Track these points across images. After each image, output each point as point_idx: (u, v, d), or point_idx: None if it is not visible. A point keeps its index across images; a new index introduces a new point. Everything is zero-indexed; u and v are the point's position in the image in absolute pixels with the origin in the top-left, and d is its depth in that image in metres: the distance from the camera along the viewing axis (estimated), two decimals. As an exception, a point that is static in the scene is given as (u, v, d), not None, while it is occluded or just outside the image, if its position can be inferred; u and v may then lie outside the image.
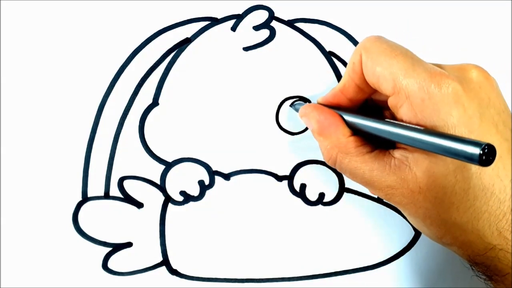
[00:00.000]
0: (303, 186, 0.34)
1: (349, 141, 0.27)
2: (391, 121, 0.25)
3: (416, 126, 0.23)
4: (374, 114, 0.29)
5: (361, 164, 0.26)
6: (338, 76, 0.34)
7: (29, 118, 0.33)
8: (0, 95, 0.33)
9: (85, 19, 0.33)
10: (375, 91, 0.27)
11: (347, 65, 0.27)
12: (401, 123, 0.24)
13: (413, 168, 0.24)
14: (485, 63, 0.35)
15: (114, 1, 0.34)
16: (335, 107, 0.29)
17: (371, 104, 0.30)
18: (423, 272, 0.35)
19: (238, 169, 0.34)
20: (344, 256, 0.34)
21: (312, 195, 0.34)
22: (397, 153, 0.25)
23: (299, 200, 0.34)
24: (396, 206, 0.26)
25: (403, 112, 0.24)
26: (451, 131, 0.23)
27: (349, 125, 0.27)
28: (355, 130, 0.27)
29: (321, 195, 0.34)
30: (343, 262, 0.34)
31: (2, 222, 0.32)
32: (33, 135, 0.33)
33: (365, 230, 0.35)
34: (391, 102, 0.25)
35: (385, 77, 0.24)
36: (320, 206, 0.34)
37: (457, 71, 0.25)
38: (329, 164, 0.29)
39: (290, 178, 0.34)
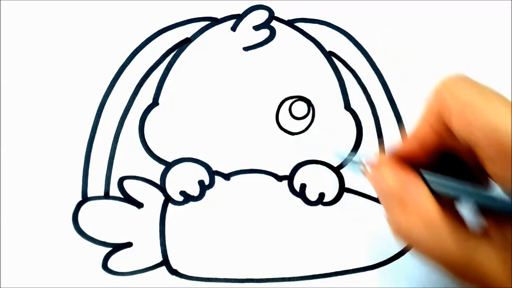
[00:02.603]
0: (303, 186, 0.34)
1: (437, 212, 0.20)
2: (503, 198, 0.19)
3: None
4: (459, 170, 0.23)
5: (447, 243, 0.20)
6: (338, 76, 0.34)
7: (29, 118, 0.33)
8: (0, 95, 0.33)
9: (85, 19, 0.33)
10: (457, 139, 0.21)
11: (425, 109, 0.22)
12: None
13: None
14: (485, 63, 0.35)
15: (114, 1, 0.34)
16: (408, 161, 0.23)
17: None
18: (423, 272, 0.35)
19: (238, 169, 0.34)
20: (344, 256, 0.34)
21: (312, 195, 0.34)
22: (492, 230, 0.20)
23: (299, 200, 0.34)
24: None
25: (499, 169, 0.19)
26: None
27: (431, 187, 0.21)
28: (437, 193, 0.21)
29: (321, 195, 0.34)
30: (343, 262, 0.34)
31: (2, 222, 0.32)
32: (33, 135, 0.33)
33: (365, 230, 0.35)
34: (486, 156, 0.20)
35: (484, 132, 0.19)
36: (320, 206, 0.34)
37: None
38: (399, 237, 0.22)
39: (290, 178, 0.34)
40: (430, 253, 0.21)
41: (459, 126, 0.20)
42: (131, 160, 0.33)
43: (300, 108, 0.34)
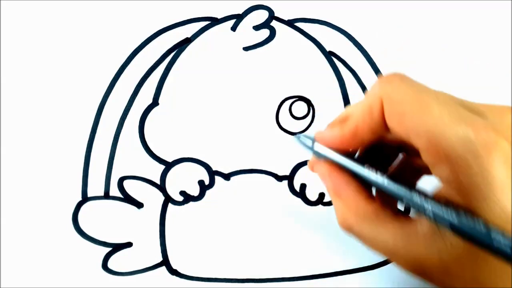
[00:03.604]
0: (303, 186, 0.34)
1: (368, 205, 0.22)
2: (423, 192, 0.20)
3: (454, 208, 0.19)
4: (400, 172, 0.25)
5: (383, 232, 0.22)
6: (338, 76, 0.34)
7: (29, 118, 0.33)
8: (0, 95, 0.33)
9: (85, 19, 0.33)
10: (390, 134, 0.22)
11: (360, 107, 0.22)
12: (435, 200, 0.20)
13: (448, 237, 0.20)
14: (485, 63, 0.35)
15: (114, 1, 0.34)
16: (345, 153, 0.24)
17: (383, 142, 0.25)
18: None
19: (238, 169, 0.34)
20: (344, 256, 0.34)
21: (312, 195, 0.34)
22: (425, 219, 0.21)
23: (299, 200, 0.34)
24: (426, 281, 0.22)
25: (440, 171, 0.20)
26: (497, 200, 0.19)
27: (365, 182, 0.22)
28: (369, 186, 0.23)
29: (321, 195, 0.34)
30: (343, 262, 0.34)
31: (2, 222, 0.32)
32: (33, 135, 0.33)
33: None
34: (425, 158, 0.21)
35: (418, 133, 0.20)
36: (320, 206, 0.34)
37: (502, 119, 0.21)
38: (343, 230, 0.24)
39: (290, 178, 0.34)
40: (364, 237, 0.23)
41: (395, 129, 0.21)
42: (131, 160, 0.33)
43: (300, 108, 0.34)
